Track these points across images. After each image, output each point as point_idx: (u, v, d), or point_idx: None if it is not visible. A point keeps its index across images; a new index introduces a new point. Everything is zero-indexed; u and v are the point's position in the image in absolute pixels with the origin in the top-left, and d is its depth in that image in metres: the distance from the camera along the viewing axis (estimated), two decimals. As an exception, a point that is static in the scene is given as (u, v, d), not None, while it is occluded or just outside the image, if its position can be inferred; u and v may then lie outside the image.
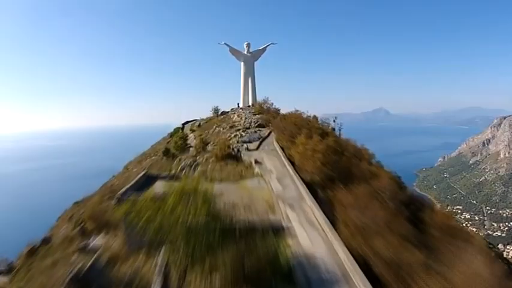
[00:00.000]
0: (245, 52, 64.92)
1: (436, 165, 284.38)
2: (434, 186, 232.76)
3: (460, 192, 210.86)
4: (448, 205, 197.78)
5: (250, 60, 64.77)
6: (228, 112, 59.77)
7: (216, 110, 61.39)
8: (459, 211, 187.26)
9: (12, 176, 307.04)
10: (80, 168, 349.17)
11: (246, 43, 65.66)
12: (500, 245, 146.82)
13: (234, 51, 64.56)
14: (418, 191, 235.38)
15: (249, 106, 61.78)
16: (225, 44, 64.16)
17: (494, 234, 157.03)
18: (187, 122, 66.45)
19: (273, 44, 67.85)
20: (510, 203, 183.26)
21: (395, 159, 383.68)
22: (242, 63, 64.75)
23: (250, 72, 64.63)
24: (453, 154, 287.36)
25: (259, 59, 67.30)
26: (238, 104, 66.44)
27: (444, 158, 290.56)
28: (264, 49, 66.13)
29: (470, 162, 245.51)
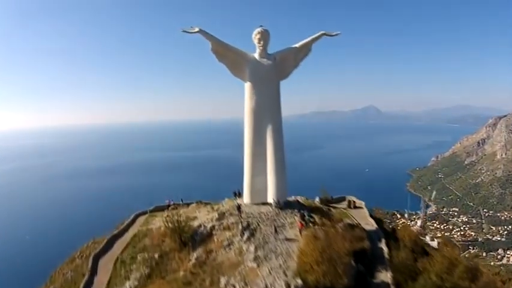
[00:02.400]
0: (256, 55, 27.09)
1: (429, 165, 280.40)
2: (429, 187, 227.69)
3: (456, 193, 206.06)
4: (444, 207, 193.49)
5: (270, 75, 27.07)
6: (206, 238, 24.43)
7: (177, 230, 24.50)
8: (456, 213, 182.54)
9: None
10: (61, 168, 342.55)
11: (258, 32, 26.85)
12: (500, 250, 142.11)
13: (228, 52, 27.00)
14: (413, 191, 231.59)
15: (265, 208, 26.68)
16: (199, 31, 25.71)
17: (493, 239, 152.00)
18: (115, 238, 28.55)
19: (330, 35, 27.76)
20: (508, 205, 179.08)
21: (387, 158, 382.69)
22: (248, 85, 27.22)
23: (269, 109, 27.21)
24: (446, 154, 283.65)
25: (296, 70, 29.08)
26: (236, 193, 30.49)
27: (437, 157, 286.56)
28: (308, 47, 28.15)
29: (466, 162, 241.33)
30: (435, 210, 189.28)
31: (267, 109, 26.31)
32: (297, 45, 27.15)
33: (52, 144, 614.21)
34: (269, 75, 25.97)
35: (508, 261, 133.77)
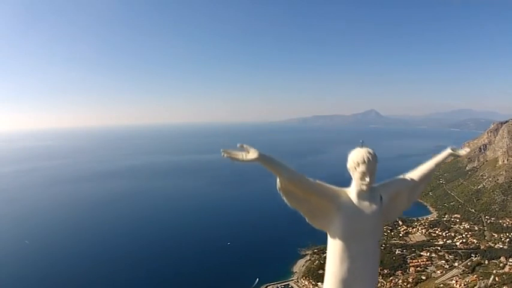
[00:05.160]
0: (352, 194, 7.35)
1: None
2: (430, 193, 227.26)
3: (457, 199, 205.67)
4: (445, 213, 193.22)
5: (374, 225, 7.46)
6: None
7: None
8: (457, 220, 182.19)
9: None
10: (67, 171, 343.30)
11: (363, 159, 7.16)
12: (502, 257, 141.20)
13: (308, 195, 7.31)
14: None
15: None
16: (258, 158, 6.37)
17: (496, 247, 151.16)
18: None
19: (458, 155, 8.24)
20: (510, 212, 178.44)
21: (389, 163, 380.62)
22: (338, 244, 7.36)
23: (367, 276, 7.56)
24: (448, 159, 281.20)
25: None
26: None
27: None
28: (431, 176, 7.88)
29: (467, 168, 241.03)
30: (437, 217, 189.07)
31: (364, 277, 8.53)
32: (414, 176, 8.99)
33: (58, 146, 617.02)
34: (372, 227, 8.86)
35: (511, 269, 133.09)
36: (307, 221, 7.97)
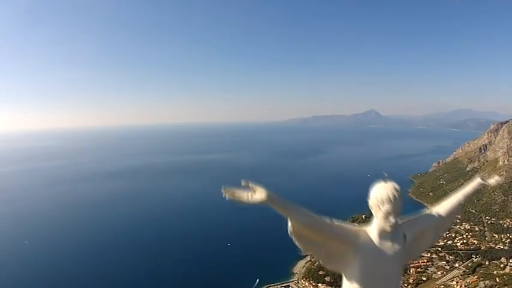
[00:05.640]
0: (373, 233, 6.35)
1: (430, 170, 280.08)
2: (430, 193, 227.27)
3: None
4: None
5: (396, 267, 6.64)
6: None
7: None
8: (458, 220, 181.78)
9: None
10: (67, 171, 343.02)
11: (389, 197, 6.07)
12: (503, 258, 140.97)
13: (325, 238, 6.37)
14: (414, 198, 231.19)
15: None
16: (267, 199, 5.66)
17: (496, 247, 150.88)
18: None
19: (488, 185, 7.80)
20: (510, 212, 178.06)
21: (389, 163, 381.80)
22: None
23: None
24: (448, 159, 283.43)
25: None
26: None
27: (439, 163, 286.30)
28: (459, 209, 7.55)
29: (467, 168, 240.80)
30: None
31: None
32: (441, 211, 7.88)
33: (58, 147, 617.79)
34: (394, 269, 7.22)
35: None
36: (321, 263, 7.01)
